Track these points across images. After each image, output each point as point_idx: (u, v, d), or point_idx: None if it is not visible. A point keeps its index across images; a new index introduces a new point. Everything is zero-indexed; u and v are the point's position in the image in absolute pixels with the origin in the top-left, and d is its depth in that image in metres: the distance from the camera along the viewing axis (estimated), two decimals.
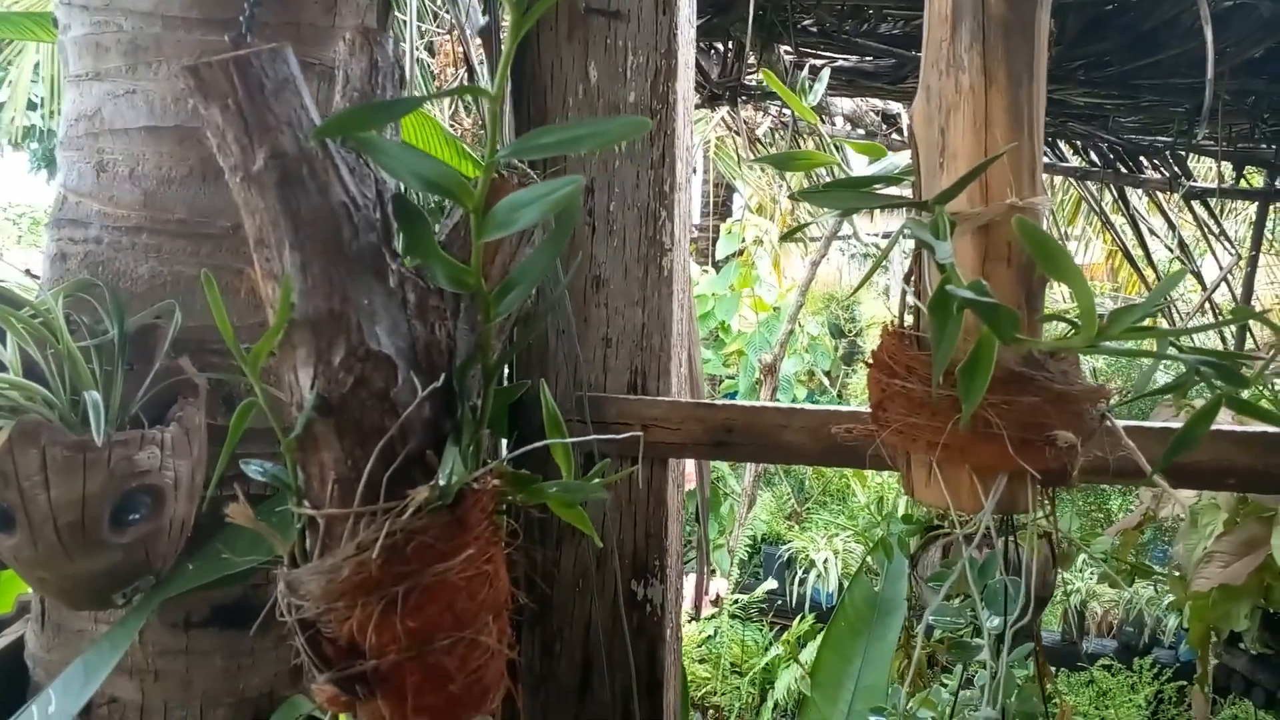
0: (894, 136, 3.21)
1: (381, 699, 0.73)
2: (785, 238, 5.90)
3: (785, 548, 4.97)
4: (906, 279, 0.78)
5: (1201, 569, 1.87)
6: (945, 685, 1.74)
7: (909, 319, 0.78)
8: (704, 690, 4.11)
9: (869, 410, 0.79)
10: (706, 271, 6.07)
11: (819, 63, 2.43)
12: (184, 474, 1.04)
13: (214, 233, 1.13)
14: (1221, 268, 3.30)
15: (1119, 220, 3.85)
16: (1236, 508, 1.89)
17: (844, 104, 3.26)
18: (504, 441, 1.16)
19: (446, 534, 0.72)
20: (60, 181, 1.18)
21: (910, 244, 0.77)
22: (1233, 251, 3.28)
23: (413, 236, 0.74)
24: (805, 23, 2.23)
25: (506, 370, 1.21)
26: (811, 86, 1.09)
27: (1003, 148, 0.70)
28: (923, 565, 1.95)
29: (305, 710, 1.13)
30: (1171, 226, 3.41)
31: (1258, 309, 4.59)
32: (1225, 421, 0.97)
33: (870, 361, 0.77)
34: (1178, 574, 2.00)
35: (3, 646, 1.27)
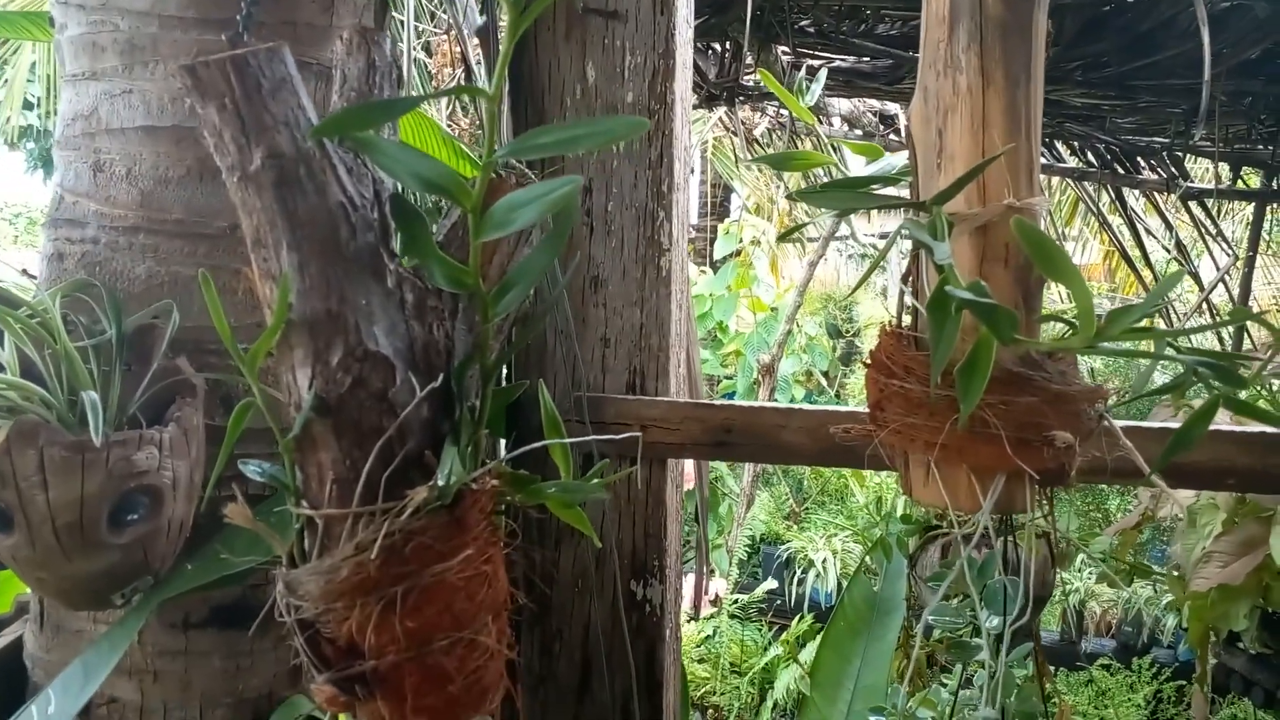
0: (891, 137, 3.22)
1: (381, 699, 0.73)
2: (783, 238, 5.89)
3: (784, 548, 4.97)
4: (904, 279, 0.78)
5: (1200, 569, 1.88)
6: (945, 685, 1.74)
7: (907, 319, 0.78)
8: (703, 690, 4.11)
9: (867, 410, 0.79)
10: (704, 272, 6.07)
11: (816, 63, 2.44)
12: (182, 474, 1.03)
13: (211, 233, 1.13)
14: (1219, 268, 3.30)
15: (1116, 221, 3.85)
16: (1235, 508, 1.90)
17: (841, 104, 3.27)
18: (502, 442, 1.16)
19: (445, 534, 0.72)
20: (57, 181, 1.18)
21: (908, 244, 0.77)
22: (1230, 252, 3.28)
23: (410, 236, 0.74)
24: (803, 23, 2.23)
25: (505, 370, 1.21)
26: (808, 87, 1.09)
27: (1000, 149, 0.70)
28: (922, 565, 1.95)
29: (304, 710, 1.13)
30: (1169, 227, 3.41)
31: (1255, 309, 4.60)
32: (1225, 422, 0.97)
33: (868, 362, 0.77)
34: (1176, 574, 2.00)
35: (2, 647, 1.27)
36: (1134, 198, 3.45)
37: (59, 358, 1.00)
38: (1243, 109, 2.32)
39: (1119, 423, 0.74)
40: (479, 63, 1.53)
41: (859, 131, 3.33)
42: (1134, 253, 3.68)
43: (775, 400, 5.09)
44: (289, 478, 0.75)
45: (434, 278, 0.73)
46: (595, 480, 0.88)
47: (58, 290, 1.05)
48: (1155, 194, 3.15)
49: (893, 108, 3.18)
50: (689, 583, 3.39)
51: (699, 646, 4.24)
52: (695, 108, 3.04)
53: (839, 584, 4.62)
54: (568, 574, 1.21)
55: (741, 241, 5.72)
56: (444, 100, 3.16)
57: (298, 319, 0.71)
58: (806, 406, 1.15)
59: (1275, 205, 3.43)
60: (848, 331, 7.05)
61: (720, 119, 4.74)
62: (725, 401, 1.21)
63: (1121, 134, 2.70)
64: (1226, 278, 3.35)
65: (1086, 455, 0.71)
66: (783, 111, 3.54)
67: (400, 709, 0.73)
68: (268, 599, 0.75)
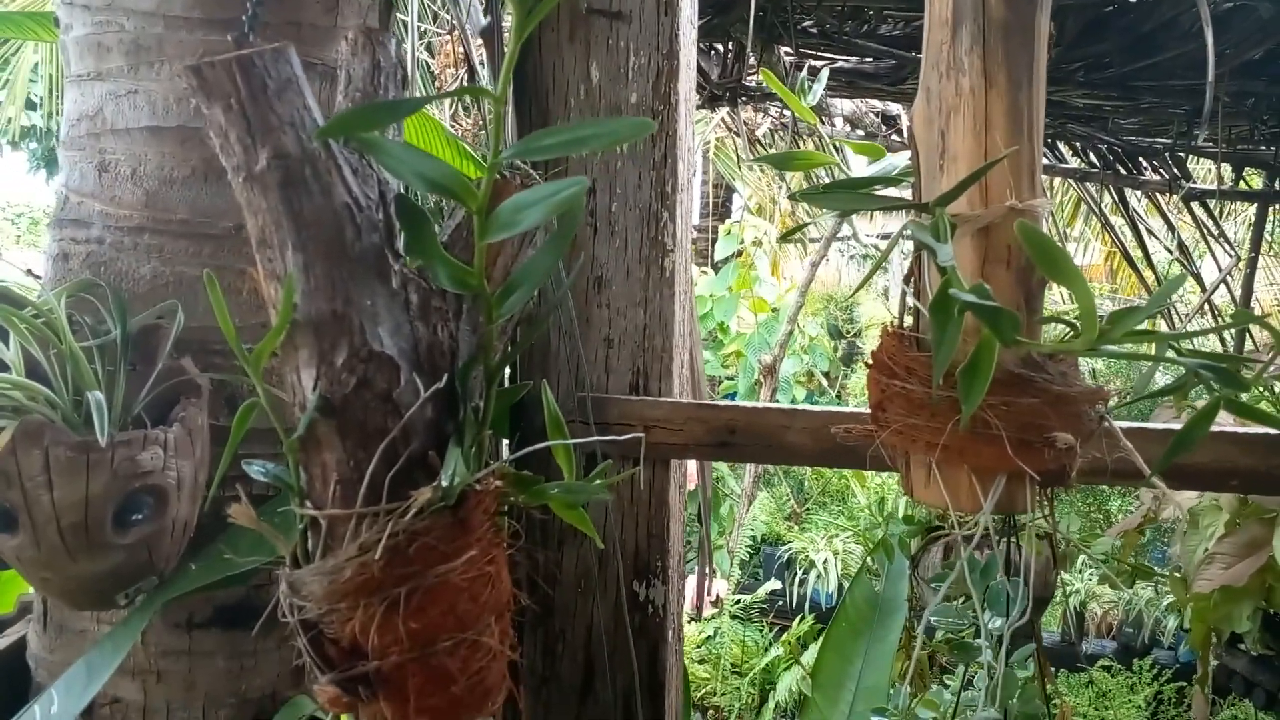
0: (893, 138, 3.22)
1: (384, 700, 0.73)
2: (784, 238, 5.89)
3: (785, 548, 4.97)
4: (906, 280, 0.78)
5: (1203, 570, 1.88)
6: (947, 686, 1.74)
7: (909, 320, 0.78)
8: (704, 691, 4.11)
9: (869, 411, 0.79)
10: (705, 272, 6.07)
11: (819, 64, 2.44)
12: (187, 474, 1.04)
13: (216, 233, 1.13)
14: (1221, 269, 3.30)
15: (1118, 222, 3.85)
16: (1238, 509, 1.90)
17: (844, 105, 3.26)
18: (506, 443, 1.16)
19: (449, 535, 0.72)
20: (62, 181, 1.18)
21: (909, 245, 0.77)
22: (1232, 253, 3.28)
23: (415, 237, 0.74)
24: (805, 24, 2.23)
25: (508, 371, 1.21)
26: (811, 87, 1.09)
27: (1003, 150, 0.70)
28: (924, 566, 1.95)
29: (308, 711, 1.13)
30: (1171, 228, 3.41)
31: (1257, 311, 4.59)
32: (1228, 423, 0.97)
33: (870, 362, 0.77)
34: (1178, 575, 2.00)
35: (5, 647, 1.27)
36: (1136, 199, 3.45)
37: (64, 358, 1.00)
38: (1245, 110, 2.32)
39: (1120, 424, 0.74)
40: (483, 63, 1.53)
41: (861, 132, 3.33)
42: (1136, 254, 3.67)
43: (776, 401, 5.09)
44: (293, 478, 0.75)
45: (439, 279, 0.73)
46: (598, 481, 0.88)
47: (63, 290, 1.05)
48: (1157, 195, 3.14)
49: (895, 108, 3.18)
50: (691, 583, 3.39)
51: (700, 647, 4.24)
52: (698, 108, 3.04)
53: (840, 585, 4.62)
54: (570, 575, 1.21)
55: (743, 242, 5.72)
56: (447, 101, 3.16)
57: (303, 319, 0.71)
58: (810, 407, 1.15)
59: (1278, 206, 3.42)
60: (849, 332, 7.05)
61: (723, 119, 4.74)
62: (728, 402, 1.22)
63: (1124, 135, 2.70)
64: (1228, 279, 3.34)
65: (1087, 456, 0.71)
66: (785, 112, 3.54)
67: (403, 710, 0.73)
68: (271, 599, 0.75)
